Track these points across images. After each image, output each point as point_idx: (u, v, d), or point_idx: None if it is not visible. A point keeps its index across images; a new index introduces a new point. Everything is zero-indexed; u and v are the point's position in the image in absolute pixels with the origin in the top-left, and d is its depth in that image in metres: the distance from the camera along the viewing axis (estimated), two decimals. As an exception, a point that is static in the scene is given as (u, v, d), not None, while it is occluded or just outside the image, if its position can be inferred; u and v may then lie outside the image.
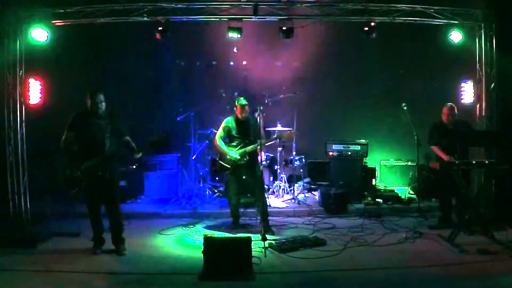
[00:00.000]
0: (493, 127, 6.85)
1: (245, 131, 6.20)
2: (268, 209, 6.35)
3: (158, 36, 6.79)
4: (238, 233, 5.99)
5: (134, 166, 7.93)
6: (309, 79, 9.04)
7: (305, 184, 8.55)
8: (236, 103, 6.16)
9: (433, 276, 4.63)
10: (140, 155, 5.40)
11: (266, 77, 8.79)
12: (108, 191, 5.26)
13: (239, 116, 6.17)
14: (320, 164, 8.55)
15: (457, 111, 6.28)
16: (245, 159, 6.15)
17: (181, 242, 5.82)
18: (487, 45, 6.87)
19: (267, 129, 7.64)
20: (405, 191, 8.11)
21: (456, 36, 6.89)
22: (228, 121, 6.24)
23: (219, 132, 6.28)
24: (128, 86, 8.69)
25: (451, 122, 6.23)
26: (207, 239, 4.66)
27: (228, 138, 6.29)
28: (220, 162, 6.39)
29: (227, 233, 6.06)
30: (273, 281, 4.55)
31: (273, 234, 5.98)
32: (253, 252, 4.70)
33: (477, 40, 6.98)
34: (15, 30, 6.45)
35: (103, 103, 5.18)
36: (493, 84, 6.90)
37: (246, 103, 6.14)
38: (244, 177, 6.30)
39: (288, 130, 7.85)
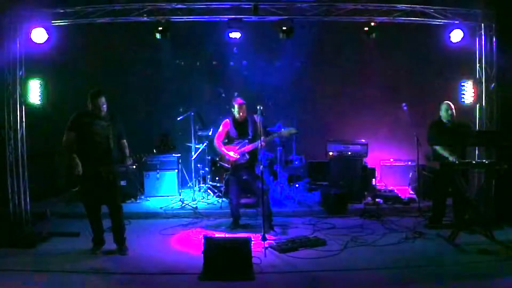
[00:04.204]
0: (493, 127, 6.85)
1: (244, 131, 6.19)
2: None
3: (158, 36, 6.79)
4: (238, 233, 5.99)
5: (134, 166, 7.93)
6: (309, 79, 9.05)
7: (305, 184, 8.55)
8: (233, 103, 6.15)
9: (433, 276, 4.63)
10: (130, 163, 5.45)
11: (266, 77, 8.79)
12: (111, 192, 5.27)
13: (237, 116, 6.16)
14: (320, 164, 8.54)
15: (455, 111, 6.26)
16: (245, 158, 6.15)
17: (181, 242, 5.82)
18: (487, 45, 6.86)
19: (268, 129, 7.61)
20: (405, 191, 8.10)
21: (456, 36, 6.88)
22: (226, 122, 6.24)
23: (218, 134, 6.27)
24: (128, 86, 8.69)
25: (449, 119, 6.22)
26: (207, 239, 4.67)
27: (228, 139, 6.29)
28: (220, 163, 6.39)
29: (227, 233, 6.07)
30: (273, 281, 4.55)
31: (273, 234, 5.97)
32: (253, 252, 4.70)
33: (477, 40, 6.97)
34: (15, 30, 6.45)
35: (105, 105, 5.15)
36: (493, 84, 6.89)
37: (243, 102, 6.13)
38: (244, 178, 6.29)
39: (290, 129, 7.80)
